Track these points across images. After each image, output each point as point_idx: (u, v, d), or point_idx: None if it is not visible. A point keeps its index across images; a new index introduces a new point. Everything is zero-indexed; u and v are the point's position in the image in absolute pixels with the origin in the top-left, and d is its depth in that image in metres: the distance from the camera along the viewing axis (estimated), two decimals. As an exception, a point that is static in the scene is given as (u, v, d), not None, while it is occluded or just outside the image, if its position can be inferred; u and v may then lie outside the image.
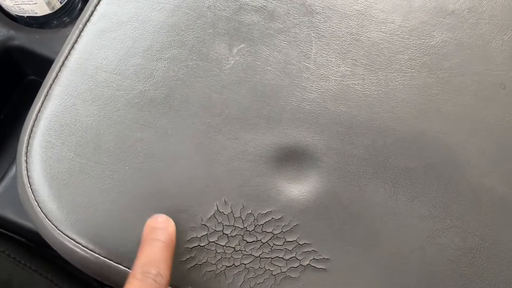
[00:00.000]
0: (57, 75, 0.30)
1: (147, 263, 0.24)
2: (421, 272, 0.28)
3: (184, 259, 0.27)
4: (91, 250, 0.27)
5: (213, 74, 0.31)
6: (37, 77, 0.40)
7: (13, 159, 0.36)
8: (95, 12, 0.32)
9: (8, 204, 0.33)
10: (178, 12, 0.32)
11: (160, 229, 0.26)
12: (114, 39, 0.31)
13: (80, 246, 0.27)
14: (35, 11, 0.37)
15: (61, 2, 0.38)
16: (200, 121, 0.30)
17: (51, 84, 0.30)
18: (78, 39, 0.31)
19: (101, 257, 0.27)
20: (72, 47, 0.31)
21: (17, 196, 0.32)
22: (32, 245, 0.42)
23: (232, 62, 0.32)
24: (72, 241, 0.27)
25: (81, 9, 0.42)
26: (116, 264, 0.27)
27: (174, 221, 0.27)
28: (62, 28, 0.37)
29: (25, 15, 0.37)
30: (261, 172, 0.29)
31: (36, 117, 0.29)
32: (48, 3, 0.37)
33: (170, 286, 0.27)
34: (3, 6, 0.37)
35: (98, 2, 0.32)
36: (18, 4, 0.36)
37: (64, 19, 0.40)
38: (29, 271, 0.40)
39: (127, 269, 0.27)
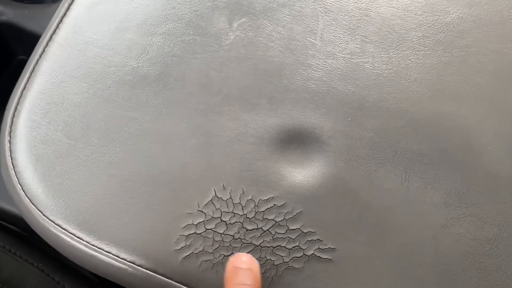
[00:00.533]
0: (44, 50, 0.28)
1: None
2: (435, 264, 0.26)
3: (179, 248, 0.25)
4: (78, 237, 0.25)
5: (212, 50, 0.29)
6: (27, 56, 0.38)
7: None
8: (85, -17, 0.30)
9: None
10: (174, -16, 0.30)
11: (245, 271, 0.23)
12: (105, 12, 0.29)
13: (67, 233, 0.25)
14: (24, -15, 0.35)
15: (51, -24, 0.36)
16: (197, 100, 0.28)
17: (38, 60, 0.28)
18: (67, 12, 0.29)
19: (89, 245, 0.25)
20: (61, 20, 0.29)
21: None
22: (24, 233, 0.40)
23: (232, 37, 0.29)
24: (58, 227, 0.25)
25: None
26: (106, 253, 0.25)
27: (168, 206, 0.25)
28: (52, 3, 0.35)
29: (14, -11, 0.35)
30: (262, 156, 0.27)
31: (21, 94, 0.27)
32: (38, -24, 0.35)
33: (163, 275, 0.25)
34: (-10, -21, 0.35)
35: (89, -27, 0.30)
36: (6, -23, 0.33)
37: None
38: (19, 260, 0.38)
39: (116, 257, 0.25)
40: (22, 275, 0.38)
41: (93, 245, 0.25)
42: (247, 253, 0.25)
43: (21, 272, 0.38)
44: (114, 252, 0.25)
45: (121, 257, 0.25)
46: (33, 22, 0.35)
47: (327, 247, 0.26)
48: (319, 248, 0.26)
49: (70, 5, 0.29)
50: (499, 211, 0.27)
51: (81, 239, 0.25)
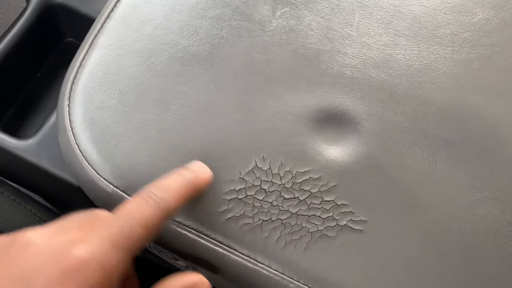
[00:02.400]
0: (102, 25, 0.31)
1: (157, 187, 0.23)
2: (459, 241, 0.28)
3: (221, 210, 0.27)
4: (128, 196, 0.27)
5: (256, 35, 0.31)
6: (75, 39, 0.41)
7: (48, 114, 0.36)
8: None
9: (43, 154, 0.33)
10: (223, -27, 0.33)
11: (189, 169, 0.25)
12: (160, -5, 0.32)
13: (117, 191, 0.27)
14: (79, -29, 0.37)
15: (104, -36, 0.38)
16: (241, 79, 0.30)
17: (96, 34, 0.30)
18: (124, -6, 0.32)
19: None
20: (118, 0, 0.31)
21: (52, 147, 0.32)
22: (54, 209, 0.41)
23: (275, 24, 0.32)
24: (111, 185, 0.27)
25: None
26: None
27: (213, 173, 0.27)
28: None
29: (69, -26, 0.38)
30: (300, 132, 0.29)
31: (80, 64, 0.29)
32: (92, -36, 0.37)
33: (207, 236, 0.27)
34: (48, -36, 0.38)
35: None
36: (64, -38, 0.36)
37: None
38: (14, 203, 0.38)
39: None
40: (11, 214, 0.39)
41: (142, 204, 0.27)
42: (284, 219, 0.27)
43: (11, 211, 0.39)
44: (161, 211, 0.27)
45: (168, 216, 0.27)
46: (85, 5, 0.37)
47: (359, 219, 0.28)
48: (351, 219, 0.28)
49: (127, -13, 0.32)
50: (520, 196, 0.29)
51: (130, 197, 0.27)
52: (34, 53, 0.39)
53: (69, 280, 0.19)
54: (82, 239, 0.20)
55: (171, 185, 0.24)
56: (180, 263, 0.33)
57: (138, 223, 0.22)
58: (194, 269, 0.33)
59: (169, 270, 0.45)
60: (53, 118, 0.34)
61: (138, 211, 0.22)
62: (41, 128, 0.34)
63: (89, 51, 0.30)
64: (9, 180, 0.38)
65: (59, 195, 0.37)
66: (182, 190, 0.24)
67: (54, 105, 0.38)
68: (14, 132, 0.35)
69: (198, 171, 0.26)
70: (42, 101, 0.39)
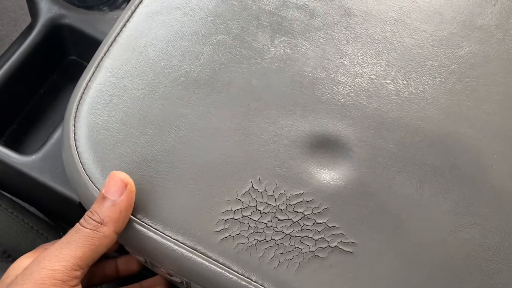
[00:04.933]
0: (108, 49, 0.32)
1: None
2: (443, 264, 0.29)
3: (218, 230, 0.28)
4: (131, 214, 0.28)
5: (255, 62, 0.33)
6: (78, 57, 0.42)
7: (52, 129, 0.37)
8: (147, -4, 0.34)
9: (46, 170, 0.34)
10: (225, 2, 0.34)
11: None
12: (164, 22, 0.33)
13: (119, 209, 0.28)
14: (86, -6, 0.39)
15: (110, -12, 0.40)
16: (240, 103, 0.31)
17: (102, 57, 0.32)
18: (130, 19, 0.33)
19: (139, 221, 0.28)
20: (124, 25, 0.33)
21: (55, 163, 0.33)
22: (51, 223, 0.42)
23: (273, 52, 0.33)
24: (113, 203, 0.28)
25: (125, -1, 0.44)
26: (153, 229, 0.28)
27: (211, 193, 0.28)
28: (110, 11, 0.39)
29: (75, -3, 0.39)
30: (295, 156, 0.31)
31: (87, 85, 0.31)
32: (99, -13, 0.39)
33: (203, 254, 0.28)
34: (56, -14, 0.39)
35: (152, -13, 0.34)
36: (71, -15, 0.38)
37: (109, 5, 0.42)
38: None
39: (162, 234, 0.28)
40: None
41: (142, 222, 0.28)
42: (278, 240, 0.29)
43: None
44: (160, 229, 0.28)
45: (166, 234, 0.28)
46: (90, 26, 0.38)
47: (349, 241, 0.29)
48: (342, 241, 0.29)
49: (133, 12, 0.33)
50: (502, 223, 0.31)
51: (132, 216, 0.28)
52: (38, 70, 0.40)
53: None
54: None
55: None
56: (175, 278, 0.34)
57: None
58: (188, 286, 0.34)
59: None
60: (56, 135, 0.36)
61: None
62: (44, 145, 0.35)
63: (95, 73, 0.31)
64: (8, 192, 0.39)
65: (58, 210, 0.38)
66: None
67: (56, 122, 0.39)
68: (16, 147, 0.36)
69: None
70: (45, 117, 0.40)
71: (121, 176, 0.27)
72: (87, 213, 0.27)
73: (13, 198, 0.42)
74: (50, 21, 0.38)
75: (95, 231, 0.26)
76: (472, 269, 0.29)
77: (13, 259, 0.36)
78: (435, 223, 0.30)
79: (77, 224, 0.27)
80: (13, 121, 0.39)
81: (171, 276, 0.34)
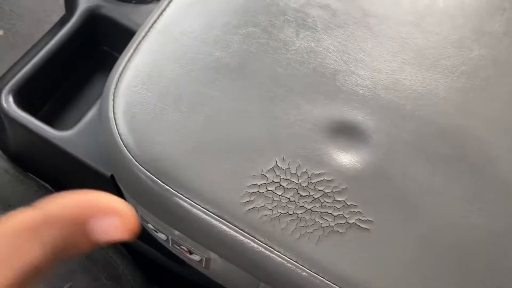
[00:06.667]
0: (146, 34, 0.34)
1: None
2: (453, 245, 0.31)
3: (244, 201, 0.30)
4: (163, 183, 0.30)
5: (281, 53, 0.35)
6: (110, 48, 0.44)
7: (85, 109, 0.39)
8: (183, -11, 0.37)
9: (80, 145, 0.36)
10: (254, -2, 0.37)
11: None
12: (199, 12, 0.36)
13: (153, 177, 0.30)
14: (121, -13, 0.42)
15: (144, -17, 0.43)
16: (266, 89, 0.34)
17: (141, 40, 0.34)
18: (167, 8, 0.36)
19: (171, 190, 0.30)
20: (161, 13, 0.35)
21: (88, 139, 0.36)
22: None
23: (298, 45, 0.36)
24: (147, 172, 0.30)
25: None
26: (185, 198, 0.30)
27: (238, 168, 0.30)
28: (144, 4, 0.42)
29: (112, -10, 0.42)
30: (316, 139, 0.33)
31: (125, 65, 0.33)
32: (135, -18, 0.41)
33: (230, 222, 0.29)
34: (94, -21, 0.42)
35: (187, -20, 0.37)
36: (110, -22, 0.40)
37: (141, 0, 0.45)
38: None
39: (193, 202, 0.30)
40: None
41: (174, 190, 0.30)
42: (300, 214, 0.30)
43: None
44: (190, 198, 0.30)
45: (196, 203, 0.30)
46: (126, 18, 0.41)
47: (366, 219, 0.31)
48: (359, 218, 0.31)
49: (170, 2, 0.36)
50: (507, 210, 0.33)
51: (165, 184, 0.30)
52: (72, 57, 0.42)
53: None
54: None
55: None
56: (194, 257, 0.36)
57: None
58: (207, 264, 0.36)
59: (171, 269, 0.47)
60: (89, 115, 0.38)
61: None
62: (78, 123, 0.37)
63: (133, 55, 0.33)
64: (41, 167, 0.40)
65: (87, 187, 0.39)
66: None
67: (87, 105, 0.41)
68: (50, 123, 0.38)
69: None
70: (76, 100, 0.42)
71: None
72: None
73: (41, 181, 0.44)
74: (88, 11, 0.41)
75: None
76: (480, 253, 0.31)
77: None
78: (446, 208, 0.32)
79: None
80: (47, 101, 0.41)
81: (191, 254, 0.36)
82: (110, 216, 0.18)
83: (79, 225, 0.17)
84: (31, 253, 0.16)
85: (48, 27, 0.51)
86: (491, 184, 0.33)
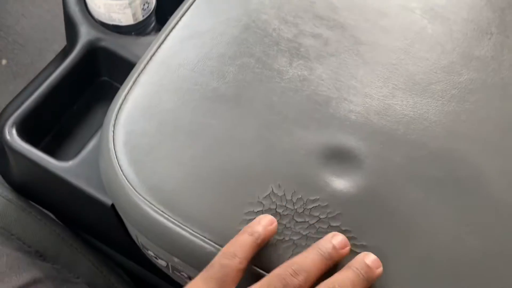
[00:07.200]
0: (144, 66, 0.36)
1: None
2: (447, 266, 0.32)
3: (241, 228, 0.31)
4: (162, 212, 0.31)
5: (275, 82, 0.36)
6: (110, 78, 0.46)
7: (86, 140, 0.40)
8: (180, 22, 0.38)
9: (81, 175, 0.37)
10: (249, 30, 0.39)
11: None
12: (195, 45, 0.37)
13: (153, 206, 0.31)
14: (121, 20, 0.43)
15: (143, 16, 0.45)
16: (262, 117, 0.35)
17: (139, 73, 0.35)
18: (165, 41, 0.37)
19: (170, 218, 0.31)
20: (159, 46, 0.37)
21: (90, 169, 0.36)
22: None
23: (291, 73, 0.37)
24: (147, 201, 0.31)
25: (154, 28, 0.48)
26: (183, 226, 0.30)
27: (235, 195, 0.31)
28: (142, 37, 0.44)
29: (111, 23, 0.44)
30: (311, 165, 0.34)
31: (125, 97, 0.34)
32: (134, 15, 0.43)
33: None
34: (95, 13, 0.44)
35: (184, 14, 0.38)
36: (110, 13, 0.42)
37: (140, 32, 0.46)
38: (74, 251, 0.43)
39: (191, 230, 0.30)
40: (76, 263, 0.43)
41: (173, 219, 0.31)
42: (296, 239, 0.31)
43: (75, 260, 0.43)
44: (189, 225, 0.30)
45: (194, 230, 0.30)
46: (125, 50, 0.42)
47: (360, 243, 0.32)
48: (353, 243, 0.31)
49: (167, 35, 0.37)
50: (501, 232, 0.33)
51: (164, 213, 0.31)
52: (73, 87, 0.44)
53: None
54: None
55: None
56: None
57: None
58: None
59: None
60: (90, 145, 0.39)
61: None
62: (79, 153, 0.38)
63: (132, 87, 0.35)
64: (43, 197, 0.41)
65: (89, 215, 0.40)
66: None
67: (89, 135, 0.42)
68: (51, 154, 0.39)
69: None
70: (77, 130, 0.43)
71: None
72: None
73: (42, 209, 0.45)
74: (89, 43, 0.42)
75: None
76: (473, 274, 0.32)
77: (44, 258, 0.38)
78: (439, 230, 0.33)
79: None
80: (49, 132, 0.43)
81: (191, 279, 0.36)
82: None
83: None
84: None
85: (50, 56, 0.53)
86: (483, 205, 0.34)
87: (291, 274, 0.27)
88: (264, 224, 0.30)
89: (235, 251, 0.28)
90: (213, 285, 0.27)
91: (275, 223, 0.30)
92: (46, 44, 0.86)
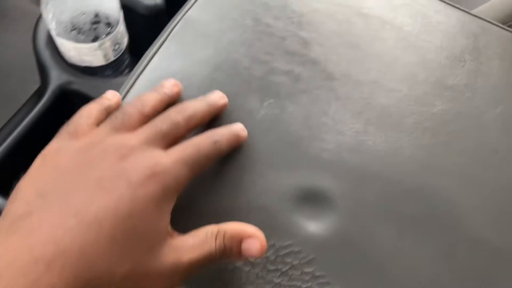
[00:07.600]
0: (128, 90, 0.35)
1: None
2: (424, 310, 0.31)
3: (213, 278, 0.30)
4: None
5: (246, 122, 0.36)
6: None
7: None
8: (149, 64, 0.38)
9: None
10: (219, 70, 0.38)
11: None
12: (163, 88, 0.37)
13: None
14: (92, 62, 0.43)
15: (114, 56, 0.44)
16: (233, 161, 0.34)
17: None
18: (134, 84, 0.37)
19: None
20: (129, 90, 0.36)
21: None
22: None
23: (262, 113, 0.37)
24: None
25: (128, 65, 0.48)
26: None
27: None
28: (113, 78, 0.43)
29: (83, 64, 0.43)
30: (283, 209, 0.33)
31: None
32: (105, 56, 0.43)
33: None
34: (66, 56, 0.43)
35: (153, 55, 0.38)
36: (80, 56, 0.42)
37: (114, 70, 0.46)
38: None
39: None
40: None
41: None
42: (268, 289, 0.30)
43: None
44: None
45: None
46: (96, 91, 0.42)
47: (334, 289, 0.31)
48: (328, 289, 0.31)
49: (136, 78, 0.37)
50: (478, 270, 0.33)
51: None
52: (46, 131, 0.43)
53: (156, 179, 0.27)
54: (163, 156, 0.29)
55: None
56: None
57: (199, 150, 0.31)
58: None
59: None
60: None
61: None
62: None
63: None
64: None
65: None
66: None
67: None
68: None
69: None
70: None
71: None
72: None
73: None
74: (60, 87, 0.42)
75: None
76: (452, 315, 0.31)
77: None
78: (416, 270, 0.32)
79: None
80: (18, 177, 0.42)
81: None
82: (255, 239, 0.29)
83: (236, 242, 0.29)
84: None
85: (32, 86, 0.52)
86: (460, 243, 0.33)
87: (175, 111, 0.32)
88: (169, 85, 0.34)
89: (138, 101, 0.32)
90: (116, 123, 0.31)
91: (180, 86, 0.35)
92: (29, 75, 0.85)
